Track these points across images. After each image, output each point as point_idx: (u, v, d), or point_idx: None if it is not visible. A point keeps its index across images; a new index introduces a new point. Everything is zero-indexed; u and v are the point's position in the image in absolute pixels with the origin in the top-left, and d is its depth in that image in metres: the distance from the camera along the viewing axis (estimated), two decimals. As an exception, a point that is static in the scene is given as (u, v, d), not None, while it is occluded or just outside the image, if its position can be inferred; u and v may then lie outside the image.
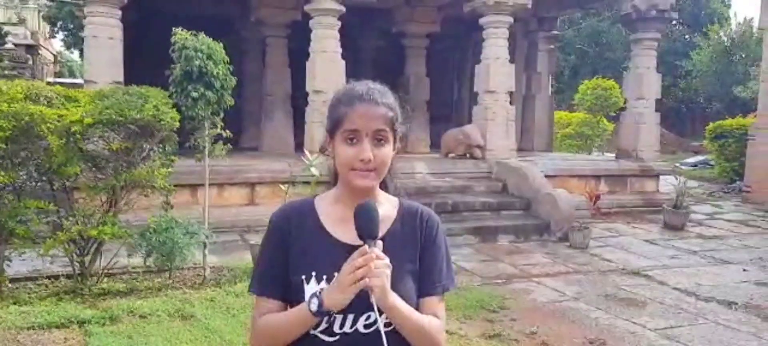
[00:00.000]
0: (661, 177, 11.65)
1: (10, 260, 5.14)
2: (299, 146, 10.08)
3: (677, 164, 17.36)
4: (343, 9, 9.23)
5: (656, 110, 11.65)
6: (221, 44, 5.70)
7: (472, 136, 10.41)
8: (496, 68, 10.26)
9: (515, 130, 11.14)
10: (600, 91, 17.54)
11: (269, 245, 1.58)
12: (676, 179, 10.17)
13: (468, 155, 10.47)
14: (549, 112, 14.61)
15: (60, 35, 29.64)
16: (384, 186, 1.60)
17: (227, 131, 5.83)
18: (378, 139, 1.48)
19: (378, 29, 13.95)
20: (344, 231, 1.51)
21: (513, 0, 9.97)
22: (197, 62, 5.40)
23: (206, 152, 5.78)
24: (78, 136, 5.04)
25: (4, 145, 4.79)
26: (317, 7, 9.13)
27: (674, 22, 13.92)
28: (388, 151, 1.50)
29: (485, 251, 7.63)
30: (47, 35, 30.03)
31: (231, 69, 5.80)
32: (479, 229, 8.24)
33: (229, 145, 5.95)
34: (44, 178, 5.28)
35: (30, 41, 26.47)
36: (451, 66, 16.03)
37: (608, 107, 17.56)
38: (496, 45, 10.25)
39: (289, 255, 1.52)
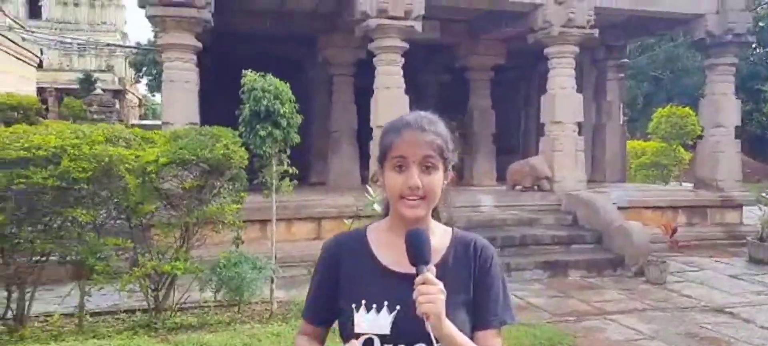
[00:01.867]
0: (744, 208, 11.00)
1: (90, 295, 5.40)
2: (365, 180, 10.19)
3: (763, 194, 16.34)
4: (407, 46, 9.34)
5: (736, 138, 11.09)
6: (288, 84, 5.88)
7: (538, 167, 10.21)
8: (562, 98, 10.09)
9: (585, 161, 10.85)
10: (675, 118, 16.84)
11: (318, 273, 1.63)
12: (761, 209, 9.56)
13: (536, 187, 10.26)
14: (621, 141, 14.15)
15: (144, 80, 31.62)
16: (436, 216, 1.58)
17: (293, 168, 5.98)
18: (426, 167, 1.46)
19: (442, 64, 14.02)
20: (395, 260, 1.50)
21: (578, 30, 9.82)
22: (265, 102, 5.59)
23: (273, 188, 5.93)
24: (153, 175, 5.29)
25: (86, 185, 5.09)
26: (381, 45, 9.28)
27: (754, 45, 13.26)
28: (437, 178, 1.48)
29: (555, 286, 7.40)
30: (133, 80, 31.98)
31: (297, 107, 5.96)
32: (548, 263, 8.02)
33: (296, 180, 6.09)
34: (122, 216, 5.57)
35: (117, 86, 28.27)
36: (517, 97, 15.87)
37: (685, 135, 16.82)
38: (562, 75, 10.10)
39: (339, 283, 1.54)
